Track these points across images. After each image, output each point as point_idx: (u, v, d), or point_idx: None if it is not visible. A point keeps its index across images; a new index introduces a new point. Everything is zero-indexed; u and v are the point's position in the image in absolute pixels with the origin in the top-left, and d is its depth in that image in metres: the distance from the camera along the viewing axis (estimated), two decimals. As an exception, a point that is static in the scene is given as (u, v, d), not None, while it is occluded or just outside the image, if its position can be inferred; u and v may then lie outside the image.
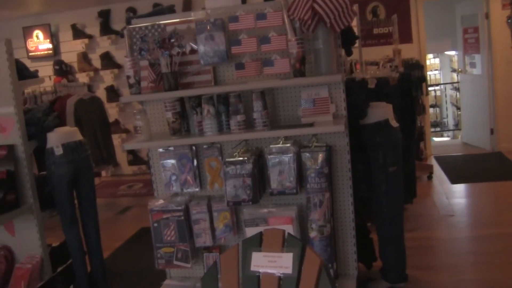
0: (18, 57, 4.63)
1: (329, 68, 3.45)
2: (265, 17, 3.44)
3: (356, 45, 4.94)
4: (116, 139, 8.84)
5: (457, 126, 13.13)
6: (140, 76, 3.61)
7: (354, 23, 5.69)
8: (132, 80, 3.57)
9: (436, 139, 12.55)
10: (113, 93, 9.47)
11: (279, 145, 3.46)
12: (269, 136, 3.57)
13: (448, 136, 13.70)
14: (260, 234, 2.14)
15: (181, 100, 3.65)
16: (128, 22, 3.83)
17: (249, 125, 3.50)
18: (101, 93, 9.30)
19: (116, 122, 9.47)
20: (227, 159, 3.45)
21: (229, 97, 3.49)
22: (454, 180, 7.41)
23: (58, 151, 4.29)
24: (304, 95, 3.59)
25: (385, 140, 3.87)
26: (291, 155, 3.41)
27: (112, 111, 9.37)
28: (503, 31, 8.53)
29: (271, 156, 3.44)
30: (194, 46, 3.58)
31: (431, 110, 13.24)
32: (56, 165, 4.31)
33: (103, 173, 9.36)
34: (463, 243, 5.20)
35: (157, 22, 3.69)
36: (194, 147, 3.76)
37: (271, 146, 3.48)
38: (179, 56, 3.55)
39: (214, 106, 3.52)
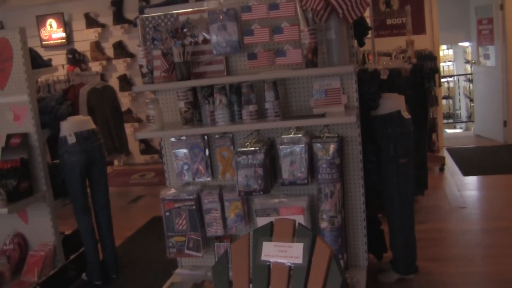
0: (32, 46, 4.66)
1: (341, 59, 3.44)
2: (277, 7, 3.43)
3: (369, 35, 4.93)
4: (128, 128, 8.87)
5: (470, 118, 13.06)
6: (153, 66, 3.63)
7: (367, 14, 5.67)
8: (144, 70, 3.58)
9: (448, 130, 12.49)
10: (125, 82, 9.50)
11: (290, 136, 3.47)
12: (280, 127, 3.58)
13: (461, 128, 13.63)
14: (271, 224, 2.15)
15: (194, 89, 3.66)
16: (141, 11, 3.84)
17: (261, 115, 3.51)
18: (113, 82, 9.32)
19: (129, 111, 9.49)
20: (239, 149, 3.46)
21: (241, 87, 3.49)
22: (466, 172, 7.37)
23: (71, 139, 4.33)
24: (316, 85, 3.59)
25: (397, 132, 3.86)
26: (302, 145, 3.41)
27: (125, 100, 9.39)
28: (518, 23, 8.47)
29: (283, 146, 3.45)
30: (207, 36, 3.58)
31: (444, 101, 13.17)
32: (69, 153, 4.35)
33: (115, 162, 9.42)
34: (473, 235, 5.19)
35: (169, 12, 3.70)
36: (206, 137, 3.77)
37: (282, 136, 3.48)
38: (191, 46, 3.55)
39: (226, 96, 3.53)
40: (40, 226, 4.46)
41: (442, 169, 7.55)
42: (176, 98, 3.63)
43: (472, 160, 8.13)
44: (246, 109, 3.47)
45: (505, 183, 6.71)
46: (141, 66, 3.59)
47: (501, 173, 7.17)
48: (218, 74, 3.66)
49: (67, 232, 4.83)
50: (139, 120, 9.48)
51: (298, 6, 3.38)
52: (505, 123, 8.95)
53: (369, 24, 4.95)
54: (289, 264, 2.04)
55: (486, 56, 9.62)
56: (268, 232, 2.14)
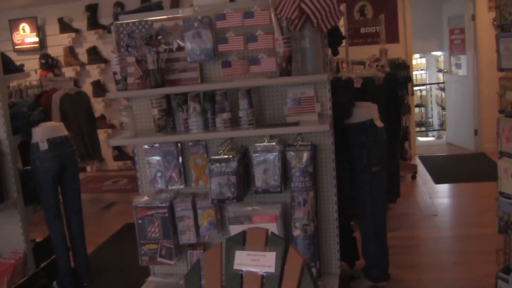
0: (4, 50, 4.62)
1: (315, 68, 3.46)
2: (252, 16, 3.44)
3: (343, 44, 4.97)
4: (101, 134, 8.81)
5: (442, 126, 13.21)
6: (127, 73, 3.61)
7: (341, 23, 5.71)
8: (118, 76, 3.56)
9: (421, 139, 12.63)
10: (99, 88, 9.43)
11: (264, 144, 3.47)
12: (254, 135, 3.58)
13: (433, 136, 13.78)
14: (244, 232, 2.15)
15: (168, 97, 3.65)
16: (116, 18, 3.82)
17: (234, 123, 3.51)
18: (87, 88, 9.26)
19: (102, 117, 9.43)
20: (212, 157, 3.46)
21: (215, 95, 3.49)
22: (437, 180, 7.46)
23: (43, 146, 4.28)
24: (290, 94, 3.60)
25: (370, 140, 3.90)
26: (276, 153, 3.42)
27: (98, 106, 9.34)
28: (489, 33, 8.56)
29: (256, 154, 3.45)
30: (181, 43, 3.57)
31: (416, 110, 13.32)
32: (41, 160, 4.31)
33: (88, 168, 9.34)
34: (445, 242, 5.25)
35: (144, 19, 3.68)
36: (179, 144, 3.76)
37: (256, 144, 3.48)
38: (166, 53, 3.55)
39: (200, 103, 3.52)
40: (10, 234, 4.40)
41: (414, 177, 7.63)
42: (150, 105, 3.62)
43: (443, 168, 8.23)
44: (220, 117, 3.47)
45: (476, 191, 6.80)
46: (115, 73, 3.57)
47: (472, 181, 7.27)
48: (192, 82, 3.66)
49: (38, 239, 4.77)
50: (112, 126, 9.42)
51: (272, 15, 3.39)
52: (476, 132, 9.08)
53: (344, 33, 5.00)
54: (262, 273, 2.04)
55: (458, 66, 9.76)
56: (240, 241, 2.14)
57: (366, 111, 3.97)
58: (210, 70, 3.72)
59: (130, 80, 3.64)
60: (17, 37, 9.82)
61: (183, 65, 3.65)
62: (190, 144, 3.76)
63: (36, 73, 9.15)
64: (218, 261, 2.15)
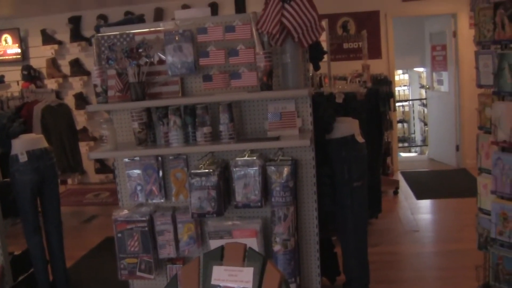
0: (-15, 62, 4.58)
1: (296, 82, 3.47)
2: (233, 30, 3.45)
3: (325, 59, 4.98)
4: (83, 146, 8.77)
5: (425, 142, 13.28)
6: (108, 85, 3.59)
7: (323, 38, 5.74)
8: (99, 89, 3.54)
9: (403, 154, 12.68)
10: (82, 100, 9.39)
11: (244, 158, 3.46)
12: (235, 149, 3.57)
13: (415, 152, 13.85)
14: (222, 247, 2.14)
15: (148, 110, 3.63)
16: (97, 30, 3.81)
17: (215, 137, 3.50)
18: (69, 100, 9.22)
19: (84, 129, 9.39)
20: (193, 171, 3.44)
21: (196, 109, 3.48)
22: (419, 196, 7.49)
23: (23, 158, 4.25)
24: (271, 108, 3.60)
25: (351, 155, 3.90)
26: (256, 168, 3.41)
27: (81, 119, 9.29)
28: (470, 50, 8.64)
29: (237, 168, 3.44)
30: (162, 57, 3.57)
31: (399, 125, 13.38)
32: (20, 172, 4.27)
33: (69, 181, 9.27)
34: (426, 258, 5.26)
35: (126, 32, 3.67)
36: (160, 158, 3.74)
37: (236, 159, 3.47)
38: (146, 66, 3.54)
39: (181, 117, 3.51)
40: (-13, 247, 4.35)
41: (396, 192, 7.65)
42: (131, 118, 3.60)
43: (425, 184, 8.27)
44: (200, 130, 3.46)
45: (457, 207, 6.83)
46: (95, 86, 3.55)
47: (453, 196, 7.30)
48: (173, 95, 3.65)
49: (16, 252, 4.71)
50: (94, 139, 9.37)
51: (254, 29, 3.40)
52: (457, 148, 9.15)
53: (326, 48, 5.02)
54: (239, 288, 2.03)
55: (440, 82, 9.84)
56: (218, 256, 2.13)
57: (347, 126, 3.98)
58: (191, 83, 3.71)
59: (110, 93, 3.63)
60: (-1, 48, 9.77)
61: (164, 78, 3.64)
62: (170, 157, 3.74)
63: (18, 84, 9.09)
64: (195, 276, 2.13)
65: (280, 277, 2.00)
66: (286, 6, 3.33)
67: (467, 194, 6.82)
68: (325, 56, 4.31)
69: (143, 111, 3.56)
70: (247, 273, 2.04)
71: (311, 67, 3.96)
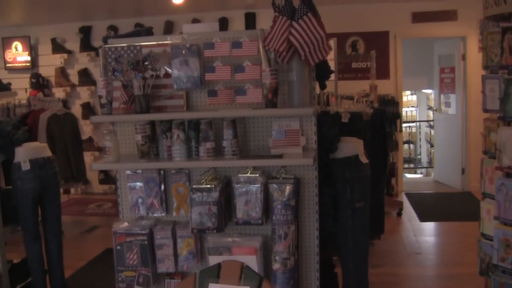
0: (-5, 68, 4.61)
1: (301, 101, 3.46)
2: (240, 46, 3.45)
3: (332, 78, 4.98)
4: (88, 156, 8.78)
5: (431, 164, 13.24)
6: (112, 97, 3.59)
7: (331, 57, 5.74)
8: (104, 100, 3.54)
9: (409, 175, 12.64)
10: (89, 110, 9.42)
11: (247, 175, 3.44)
12: (237, 165, 3.55)
13: (421, 173, 13.81)
14: (219, 265, 2.12)
15: (152, 123, 3.62)
16: (105, 41, 3.82)
17: (218, 152, 3.49)
18: (77, 109, 9.26)
19: (90, 139, 9.41)
20: (194, 186, 3.43)
21: (200, 124, 3.47)
22: (423, 218, 7.46)
23: (25, 166, 4.25)
24: (275, 126, 3.59)
25: (354, 175, 3.88)
26: (258, 185, 3.39)
27: (87, 129, 9.33)
28: (479, 73, 8.60)
29: (239, 185, 3.42)
30: (169, 70, 3.57)
31: (405, 146, 13.36)
32: (22, 180, 4.28)
33: (73, 190, 9.27)
34: (428, 281, 5.22)
35: (133, 44, 3.68)
36: (162, 171, 3.72)
37: (239, 175, 3.45)
38: (152, 79, 3.53)
39: (185, 131, 3.50)
40: (-13, 254, 4.34)
41: (399, 214, 7.61)
42: (134, 131, 3.59)
43: (429, 206, 8.23)
44: (203, 146, 3.44)
45: (461, 230, 6.79)
46: (100, 97, 3.55)
47: (457, 220, 7.27)
48: (178, 109, 3.64)
49: (15, 261, 4.70)
50: (100, 149, 9.39)
51: (261, 46, 3.40)
52: (463, 171, 9.11)
53: (333, 67, 5.01)
54: (234, 307, 2.01)
55: (448, 104, 9.81)
56: (215, 274, 2.11)
57: (352, 146, 3.96)
58: (196, 98, 3.71)
59: (115, 104, 3.62)
60: (9, 55, 9.83)
61: (169, 92, 3.63)
62: (172, 171, 3.72)
63: (26, 92, 9.14)
64: (190, 293, 2.12)
65: (276, 297, 1.98)
66: (294, 24, 3.33)
67: (471, 218, 6.75)
68: (332, 75, 4.29)
69: (147, 124, 3.55)
70: (243, 292, 2.03)
71: (317, 85, 3.95)
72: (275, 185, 3.41)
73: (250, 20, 8.98)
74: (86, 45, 9.54)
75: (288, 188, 3.39)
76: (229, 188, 3.54)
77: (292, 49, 3.35)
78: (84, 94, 9.55)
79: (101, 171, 9.38)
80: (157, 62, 3.56)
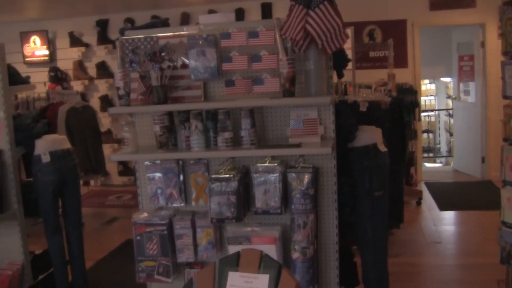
0: (14, 62, 4.65)
1: (319, 90, 3.44)
2: (257, 36, 3.44)
3: (349, 67, 4.95)
4: (107, 149, 8.83)
5: (450, 153, 13.15)
6: (130, 88, 3.60)
7: (348, 46, 5.71)
8: (121, 92, 3.56)
9: (428, 164, 12.56)
10: (107, 103, 9.47)
11: (265, 164, 3.44)
12: (255, 155, 3.55)
13: (440, 162, 13.72)
14: (238, 254, 2.12)
15: (170, 114, 3.63)
16: (122, 33, 3.83)
17: (236, 142, 3.49)
18: (95, 102, 9.31)
19: (109, 131, 9.46)
20: (213, 176, 3.43)
21: (217, 114, 3.48)
22: (442, 207, 7.41)
23: (45, 158, 4.28)
24: (293, 115, 3.58)
25: (372, 164, 3.85)
26: (277, 174, 3.39)
27: (105, 121, 9.38)
28: (498, 61, 8.53)
29: (257, 175, 3.42)
30: (186, 61, 3.57)
31: (424, 135, 13.27)
32: (42, 172, 4.31)
33: (92, 182, 9.34)
34: (447, 271, 5.19)
35: (150, 35, 3.69)
36: (180, 162, 3.74)
37: (257, 164, 3.46)
38: (169, 70, 3.54)
39: (202, 121, 3.50)
40: (9, 245, 4.38)
41: (419, 203, 7.58)
42: (152, 121, 3.60)
43: (449, 195, 8.18)
44: (221, 135, 3.44)
45: (481, 219, 6.74)
46: (118, 88, 3.56)
47: (477, 209, 7.22)
48: (195, 100, 3.65)
49: (37, 252, 4.75)
50: (118, 141, 9.42)
51: (277, 35, 3.38)
52: (483, 159, 9.03)
53: (351, 56, 4.99)
54: (254, 295, 2.01)
55: (467, 92, 9.73)
56: (234, 262, 2.11)
57: (370, 135, 3.93)
58: (213, 88, 3.71)
59: (133, 95, 3.64)
60: (28, 49, 9.90)
61: (187, 82, 3.64)
62: (191, 162, 3.74)
63: (45, 85, 9.20)
64: (210, 281, 2.12)
65: (296, 285, 1.98)
66: (311, 12, 3.31)
67: (491, 207, 6.72)
68: (350, 64, 4.27)
69: (165, 115, 3.56)
70: (263, 280, 2.02)
71: (335, 74, 3.93)
72: (293, 174, 3.40)
73: (267, 11, 8.96)
74: (103, 38, 9.58)
75: (306, 177, 3.38)
76: (247, 178, 3.54)
77: (309, 38, 3.33)
78: (102, 87, 9.61)
79: (120, 163, 9.43)
80: (174, 53, 3.56)
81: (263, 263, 2.07)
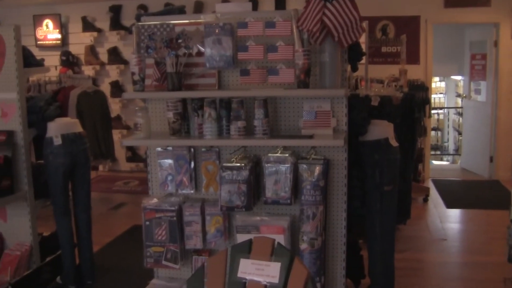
0: (27, 45, 4.65)
1: (333, 82, 3.45)
2: (274, 26, 3.44)
3: (363, 61, 4.95)
4: (116, 134, 8.85)
5: (458, 151, 13.14)
6: (145, 74, 3.62)
7: (362, 40, 5.68)
8: (136, 77, 3.57)
9: (435, 162, 12.55)
10: (117, 89, 9.48)
11: (277, 155, 3.46)
12: (267, 145, 3.57)
13: (447, 161, 13.70)
14: (250, 241, 2.14)
15: (184, 101, 3.64)
16: (138, 19, 3.83)
17: (249, 131, 3.50)
18: (105, 88, 9.31)
19: (118, 117, 9.47)
20: (224, 164, 3.45)
21: (231, 102, 3.49)
22: (449, 205, 7.41)
23: (57, 141, 4.30)
24: (307, 106, 3.59)
25: (383, 159, 3.86)
26: (288, 165, 3.40)
27: (115, 107, 9.39)
28: (510, 60, 8.55)
29: (268, 164, 3.44)
30: (201, 49, 3.58)
31: (432, 133, 13.25)
32: (53, 155, 4.32)
33: (100, 167, 9.38)
34: (452, 268, 5.20)
35: (166, 22, 3.70)
36: (192, 149, 3.75)
37: (269, 154, 3.47)
38: (185, 57, 3.55)
39: (216, 110, 3.52)
40: (18, 226, 4.41)
41: (426, 200, 7.58)
42: (166, 108, 3.62)
43: (456, 193, 8.17)
44: (234, 124, 3.46)
45: (487, 218, 6.74)
46: (133, 73, 3.58)
47: (484, 208, 7.21)
48: (210, 88, 3.66)
49: (45, 234, 4.77)
50: (128, 127, 9.45)
51: (294, 26, 3.39)
52: (491, 159, 9.01)
53: (364, 50, 4.98)
54: (265, 283, 2.03)
55: (477, 91, 9.70)
56: (246, 249, 2.13)
57: (382, 130, 3.94)
58: (228, 77, 3.72)
59: (147, 81, 3.65)
60: (40, 32, 9.92)
61: (202, 70, 3.65)
62: (203, 149, 3.75)
63: (56, 69, 9.22)
64: (222, 268, 2.14)
65: (307, 274, 1.99)
66: (328, 5, 3.31)
67: (498, 206, 6.75)
68: (363, 58, 4.26)
69: (179, 102, 3.58)
70: (274, 268, 2.04)
71: (349, 68, 3.93)
72: (304, 166, 3.42)
73: (280, 1, 8.94)
74: (116, 24, 9.58)
75: (317, 169, 3.39)
76: (258, 168, 3.56)
77: (326, 30, 3.33)
78: (113, 72, 9.62)
79: (128, 149, 9.46)
80: (190, 40, 3.57)
81: (275, 251, 2.09)
